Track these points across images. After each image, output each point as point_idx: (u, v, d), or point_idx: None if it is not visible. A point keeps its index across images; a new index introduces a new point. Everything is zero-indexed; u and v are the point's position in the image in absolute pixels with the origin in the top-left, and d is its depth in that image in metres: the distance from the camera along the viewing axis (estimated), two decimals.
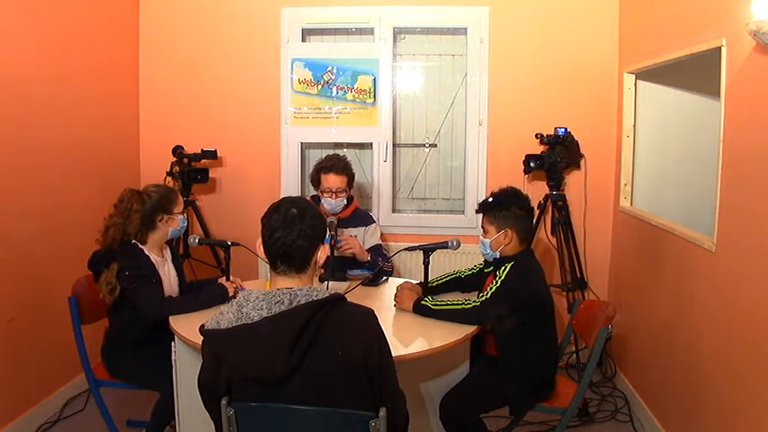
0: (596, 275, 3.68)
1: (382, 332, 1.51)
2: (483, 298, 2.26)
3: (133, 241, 2.44)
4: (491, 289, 2.27)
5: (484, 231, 2.42)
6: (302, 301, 1.42)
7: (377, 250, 3.04)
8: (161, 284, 2.46)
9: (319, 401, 1.40)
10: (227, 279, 2.56)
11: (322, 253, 1.57)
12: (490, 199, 2.44)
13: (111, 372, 2.51)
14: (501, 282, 2.27)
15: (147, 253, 2.46)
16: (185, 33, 3.79)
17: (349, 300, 1.52)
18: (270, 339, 1.38)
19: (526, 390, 2.31)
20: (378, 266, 2.85)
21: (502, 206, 2.38)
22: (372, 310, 1.53)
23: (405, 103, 3.89)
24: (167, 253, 2.62)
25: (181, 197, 2.61)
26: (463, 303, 2.27)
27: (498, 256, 2.39)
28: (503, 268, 2.30)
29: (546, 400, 2.37)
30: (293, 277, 1.53)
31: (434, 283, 2.63)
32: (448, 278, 2.68)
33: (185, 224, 2.63)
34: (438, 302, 2.32)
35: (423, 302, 2.32)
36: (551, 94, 3.65)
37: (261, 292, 1.46)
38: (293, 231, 1.49)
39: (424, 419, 2.42)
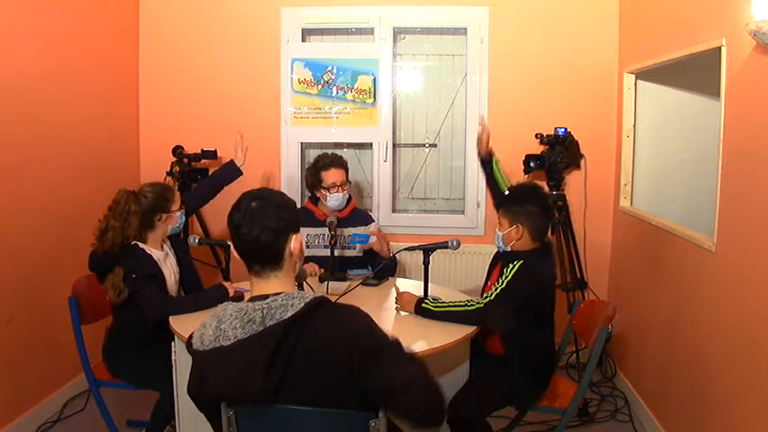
0: (596, 275, 3.68)
1: (368, 324, 1.41)
2: (487, 299, 2.25)
3: (133, 242, 2.44)
4: (496, 289, 2.27)
5: (499, 224, 2.42)
6: (276, 316, 1.34)
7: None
8: (165, 281, 2.46)
9: (315, 402, 1.36)
10: (226, 278, 2.56)
11: (295, 243, 1.47)
12: (507, 192, 2.44)
13: (111, 371, 2.52)
14: (507, 282, 2.25)
15: (148, 252, 2.46)
16: (185, 33, 3.79)
17: (350, 300, 1.49)
18: (243, 364, 1.32)
19: (529, 385, 2.32)
20: (388, 264, 2.86)
21: (516, 201, 2.38)
22: (355, 307, 1.44)
23: (405, 103, 3.89)
24: (167, 246, 2.62)
25: (177, 193, 2.61)
26: (465, 305, 2.27)
27: (510, 250, 2.40)
28: (510, 266, 2.28)
29: (544, 397, 2.38)
30: (269, 278, 1.45)
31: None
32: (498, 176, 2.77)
33: (183, 220, 2.64)
34: (439, 304, 2.31)
35: (423, 305, 2.31)
36: (551, 94, 3.65)
37: (237, 305, 1.40)
38: (256, 226, 1.41)
39: None
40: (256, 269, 1.45)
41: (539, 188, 2.44)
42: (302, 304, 1.35)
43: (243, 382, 1.33)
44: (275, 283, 1.45)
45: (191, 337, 1.44)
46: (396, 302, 2.43)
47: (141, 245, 2.45)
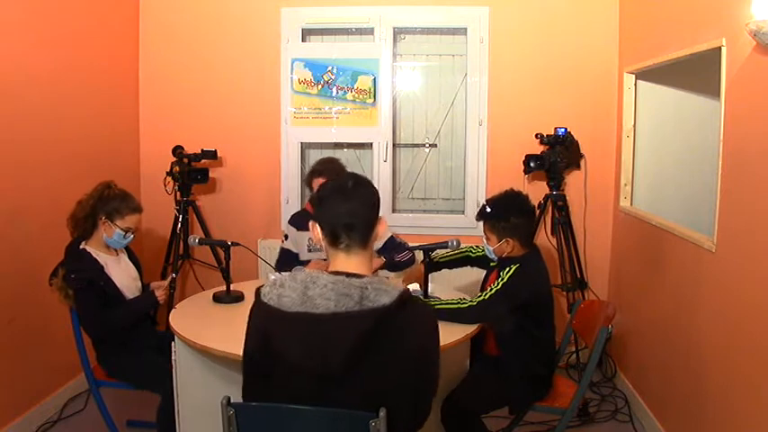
0: (596, 275, 3.68)
1: (437, 329, 1.51)
2: (480, 298, 2.26)
3: (81, 246, 2.46)
4: (491, 289, 2.27)
5: (486, 238, 2.42)
6: (372, 298, 1.36)
7: (391, 242, 3.03)
8: (113, 285, 2.46)
9: (363, 403, 1.37)
10: (226, 278, 2.55)
11: (380, 225, 1.53)
12: (488, 208, 2.42)
13: (108, 373, 2.53)
14: (503, 284, 2.26)
15: (94, 256, 2.46)
16: (185, 33, 3.79)
17: None
18: (331, 339, 1.34)
19: (525, 389, 2.31)
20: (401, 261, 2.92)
21: (500, 217, 2.36)
22: (434, 311, 1.55)
23: (405, 103, 3.89)
24: (122, 252, 2.62)
25: (134, 217, 2.50)
26: (459, 303, 2.27)
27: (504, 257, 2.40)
28: (507, 269, 2.29)
29: (545, 399, 2.37)
30: (357, 254, 1.47)
31: (443, 259, 2.69)
32: (457, 254, 2.69)
33: (125, 241, 2.53)
34: (432, 302, 2.32)
35: None
36: (551, 94, 3.65)
37: (330, 277, 1.40)
38: (355, 200, 1.48)
39: None
40: (345, 244, 1.47)
41: (517, 196, 2.41)
42: (396, 294, 1.38)
43: (323, 354, 1.35)
44: (358, 262, 1.48)
45: (258, 292, 1.45)
46: None
47: (89, 248, 2.47)
